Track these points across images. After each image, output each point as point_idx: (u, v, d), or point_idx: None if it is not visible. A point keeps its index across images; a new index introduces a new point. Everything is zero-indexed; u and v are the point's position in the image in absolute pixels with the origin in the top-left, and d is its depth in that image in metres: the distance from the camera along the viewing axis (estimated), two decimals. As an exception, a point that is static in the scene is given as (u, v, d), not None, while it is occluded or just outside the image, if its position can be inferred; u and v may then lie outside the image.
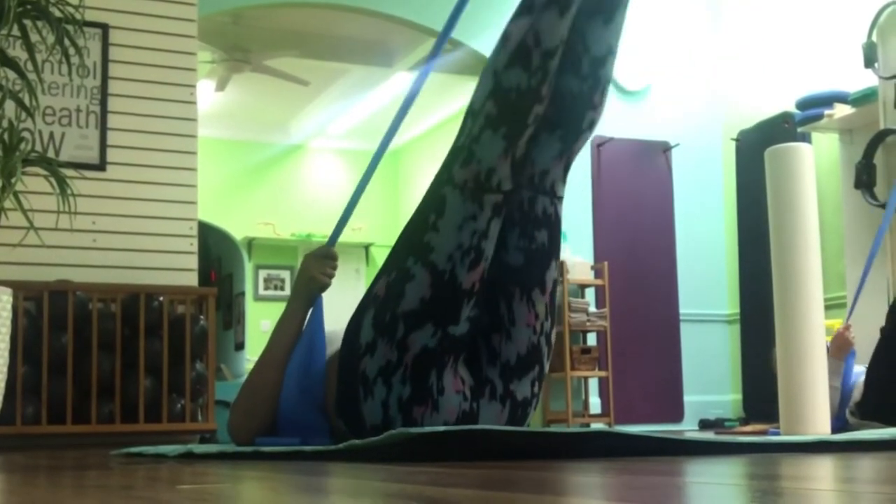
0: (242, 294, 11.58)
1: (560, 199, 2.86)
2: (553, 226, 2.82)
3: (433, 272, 2.63)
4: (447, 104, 10.77)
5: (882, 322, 4.67)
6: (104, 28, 5.31)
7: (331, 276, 3.03)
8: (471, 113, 2.68)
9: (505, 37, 2.63)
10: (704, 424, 7.86)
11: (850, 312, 4.83)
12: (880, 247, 4.88)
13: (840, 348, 4.68)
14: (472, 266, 2.63)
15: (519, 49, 2.59)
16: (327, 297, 3.05)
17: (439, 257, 2.62)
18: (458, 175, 2.64)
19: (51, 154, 4.99)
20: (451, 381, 2.70)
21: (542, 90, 2.63)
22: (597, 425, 7.45)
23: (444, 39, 3.07)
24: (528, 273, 2.77)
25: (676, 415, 8.09)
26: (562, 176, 2.84)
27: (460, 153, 2.66)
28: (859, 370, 4.74)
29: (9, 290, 3.44)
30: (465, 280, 2.64)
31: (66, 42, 3.68)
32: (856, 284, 6.34)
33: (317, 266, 3.01)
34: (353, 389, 2.75)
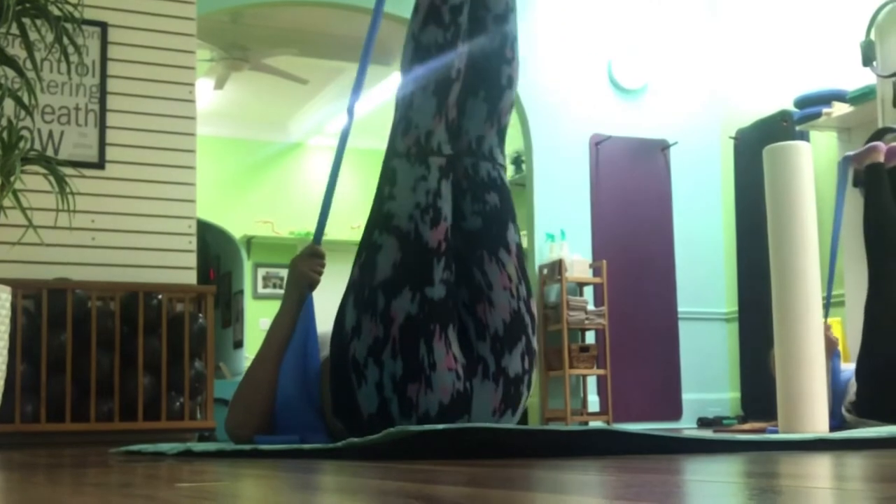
0: (241, 292, 11.57)
1: (502, 166, 3.03)
2: (501, 189, 2.98)
3: (398, 235, 2.79)
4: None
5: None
6: (103, 26, 5.32)
7: (320, 273, 3.13)
8: (401, 87, 2.94)
9: (416, 5, 2.95)
10: (703, 422, 7.86)
11: (826, 312, 4.85)
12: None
13: (825, 349, 4.68)
14: (434, 224, 2.80)
15: (430, 9, 2.91)
16: (324, 296, 3.08)
17: (401, 220, 2.80)
18: (401, 145, 2.89)
19: (50, 152, 5.00)
20: (443, 357, 2.74)
21: (457, 43, 2.92)
22: (595, 423, 7.46)
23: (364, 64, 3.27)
24: (489, 235, 2.92)
25: (675, 413, 8.09)
26: (497, 142, 3.04)
27: (399, 124, 2.91)
28: (849, 368, 4.75)
29: (8, 289, 3.44)
30: (430, 238, 2.79)
31: (65, 40, 3.68)
32: (855, 282, 6.35)
33: (306, 264, 3.12)
34: (346, 379, 2.78)
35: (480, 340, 2.83)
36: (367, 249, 2.83)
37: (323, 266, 3.14)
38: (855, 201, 6.54)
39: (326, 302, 3.09)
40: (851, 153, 4.90)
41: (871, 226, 4.62)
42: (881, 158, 4.72)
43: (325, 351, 2.97)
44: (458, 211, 2.90)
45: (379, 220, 2.84)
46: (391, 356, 2.72)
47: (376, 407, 2.74)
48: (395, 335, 2.72)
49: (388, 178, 2.88)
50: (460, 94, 2.95)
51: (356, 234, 12.47)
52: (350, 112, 3.24)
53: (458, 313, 2.84)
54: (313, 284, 3.10)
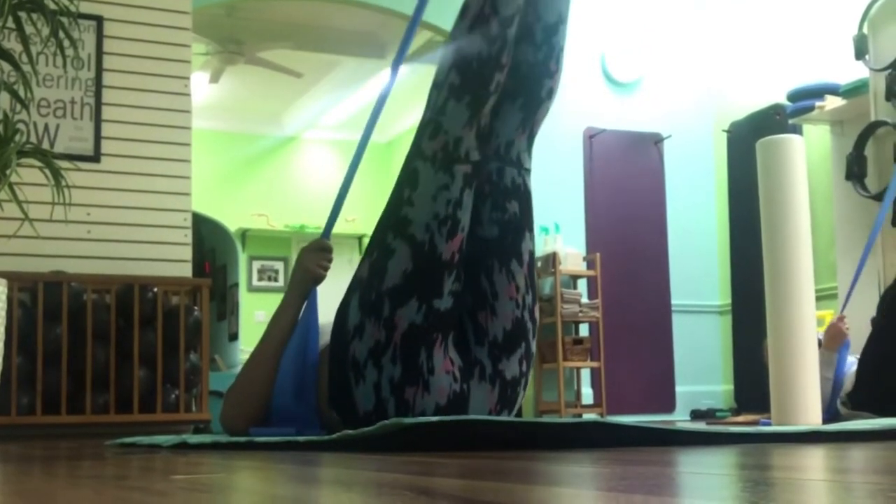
0: (236, 285, 11.59)
1: (528, 171, 2.94)
2: (523, 197, 2.89)
3: (412, 244, 2.69)
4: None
5: (873, 313, 4.69)
6: (99, 20, 5.32)
7: (326, 269, 3.07)
8: (435, 86, 2.78)
9: (464, 8, 2.76)
10: (696, 415, 7.87)
11: (845, 304, 4.84)
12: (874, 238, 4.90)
13: (833, 339, 4.70)
14: (450, 236, 2.70)
15: (478, 18, 2.71)
16: (325, 287, 3.07)
17: (417, 229, 2.69)
18: (428, 147, 2.74)
19: (45, 146, 4.99)
20: (441, 362, 2.72)
21: (502, 58, 2.74)
22: (589, 416, 7.47)
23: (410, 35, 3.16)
24: (504, 244, 2.84)
25: (668, 405, 8.11)
26: (526, 148, 2.93)
27: (428, 126, 2.76)
28: (851, 360, 4.76)
29: (3, 281, 3.45)
30: (445, 250, 2.70)
31: (61, 34, 3.68)
32: (848, 276, 6.36)
33: (312, 258, 3.05)
34: (344, 376, 2.77)
35: (479, 346, 2.82)
36: (378, 250, 2.76)
37: (330, 261, 3.07)
38: (847, 194, 6.56)
39: (328, 292, 3.08)
40: None
41: None
42: None
43: (323, 339, 2.96)
44: (477, 216, 2.81)
45: (394, 222, 2.74)
46: (391, 361, 2.69)
47: (373, 406, 2.73)
48: (396, 341, 2.69)
49: (409, 180, 2.75)
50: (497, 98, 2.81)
51: (352, 227, 12.46)
52: (394, 67, 3.16)
53: (460, 316, 2.81)
54: (318, 280, 3.04)
